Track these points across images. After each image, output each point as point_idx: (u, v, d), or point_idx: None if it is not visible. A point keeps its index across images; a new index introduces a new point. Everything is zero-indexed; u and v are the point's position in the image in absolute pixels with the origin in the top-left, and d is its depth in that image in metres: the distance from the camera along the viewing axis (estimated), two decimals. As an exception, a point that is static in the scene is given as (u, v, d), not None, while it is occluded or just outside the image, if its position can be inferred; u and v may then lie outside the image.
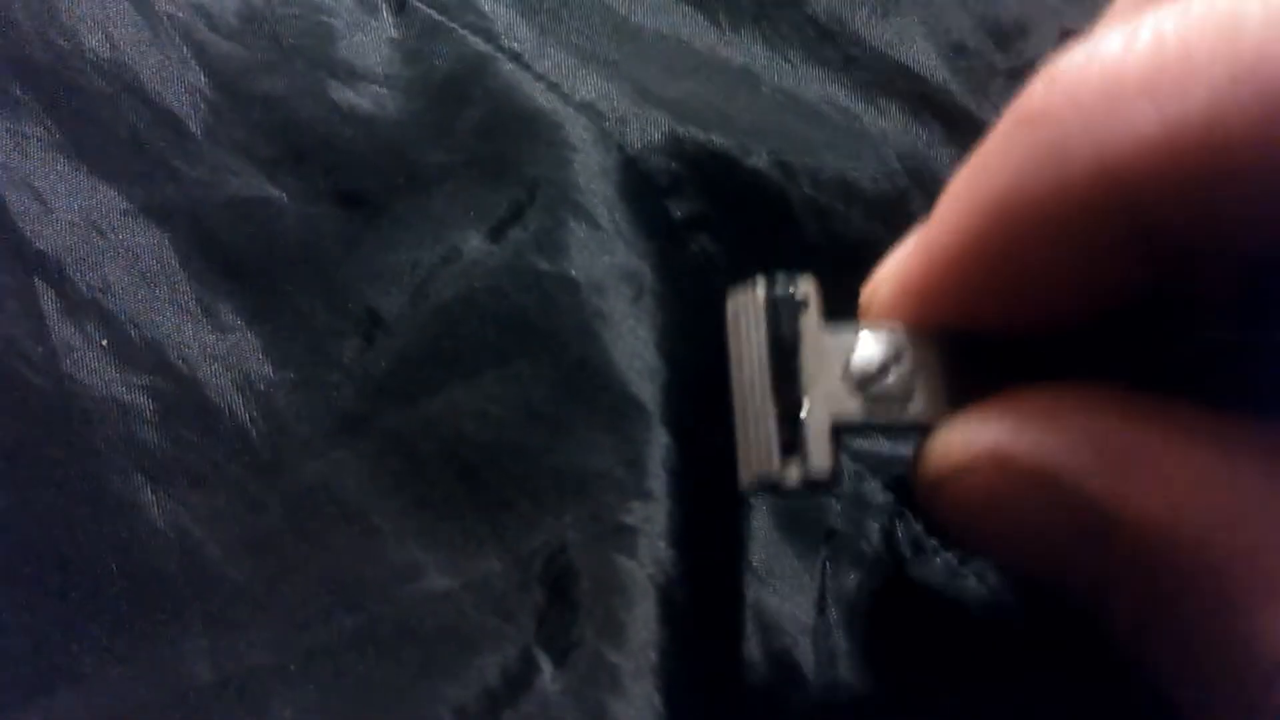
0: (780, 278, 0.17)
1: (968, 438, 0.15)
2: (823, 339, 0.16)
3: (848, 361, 0.16)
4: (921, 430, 0.16)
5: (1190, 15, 0.13)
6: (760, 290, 0.17)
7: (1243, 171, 0.12)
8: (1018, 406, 0.15)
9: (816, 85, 0.26)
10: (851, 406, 0.16)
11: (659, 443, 0.20)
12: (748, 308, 0.17)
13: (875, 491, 0.22)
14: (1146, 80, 0.13)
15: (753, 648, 0.20)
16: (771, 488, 0.16)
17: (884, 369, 0.16)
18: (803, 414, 0.16)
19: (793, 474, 0.16)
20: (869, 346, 0.16)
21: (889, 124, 0.25)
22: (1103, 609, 0.15)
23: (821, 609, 0.20)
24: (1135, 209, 0.13)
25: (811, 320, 0.16)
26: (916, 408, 0.16)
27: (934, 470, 0.16)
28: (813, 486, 0.16)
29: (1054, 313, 0.15)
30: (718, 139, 0.23)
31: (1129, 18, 0.14)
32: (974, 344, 0.16)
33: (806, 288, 0.17)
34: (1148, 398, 0.14)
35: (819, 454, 0.16)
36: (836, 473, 0.16)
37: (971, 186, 0.15)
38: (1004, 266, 0.15)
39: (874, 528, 0.21)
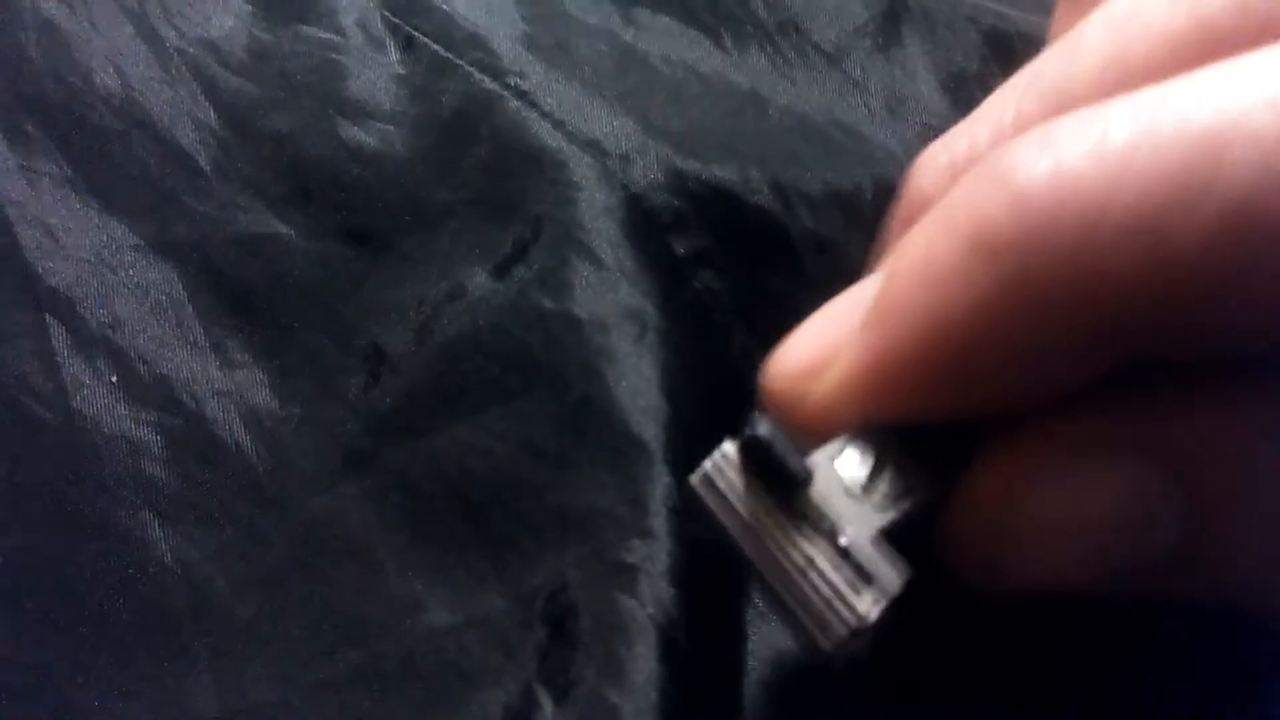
0: (734, 441, 0.16)
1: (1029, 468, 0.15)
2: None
3: (840, 481, 0.16)
4: (932, 509, 0.16)
5: (1162, 134, 0.12)
6: (729, 450, 0.16)
7: (1236, 300, 0.12)
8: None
9: (824, 107, 0.26)
10: (874, 518, 0.15)
11: (661, 481, 0.20)
12: (723, 473, 0.16)
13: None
14: (1130, 218, 0.12)
15: (754, 685, 0.20)
16: (857, 637, 0.15)
17: (876, 475, 0.16)
18: (842, 543, 0.15)
19: (869, 606, 0.15)
20: (849, 460, 0.16)
21: (896, 145, 0.25)
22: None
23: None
24: (1114, 334, 0.13)
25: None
26: (920, 497, 0.16)
27: (993, 514, 0.15)
28: (893, 607, 0.15)
29: (1016, 405, 0.15)
30: (721, 173, 0.24)
31: (1085, 119, 0.14)
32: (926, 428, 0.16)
33: (768, 428, 0.15)
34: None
35: (885, 570, 0.15)
36: (910, 579, 0.15)
37: (928, 301, 0.14)
38: (965, 376, 0.14)
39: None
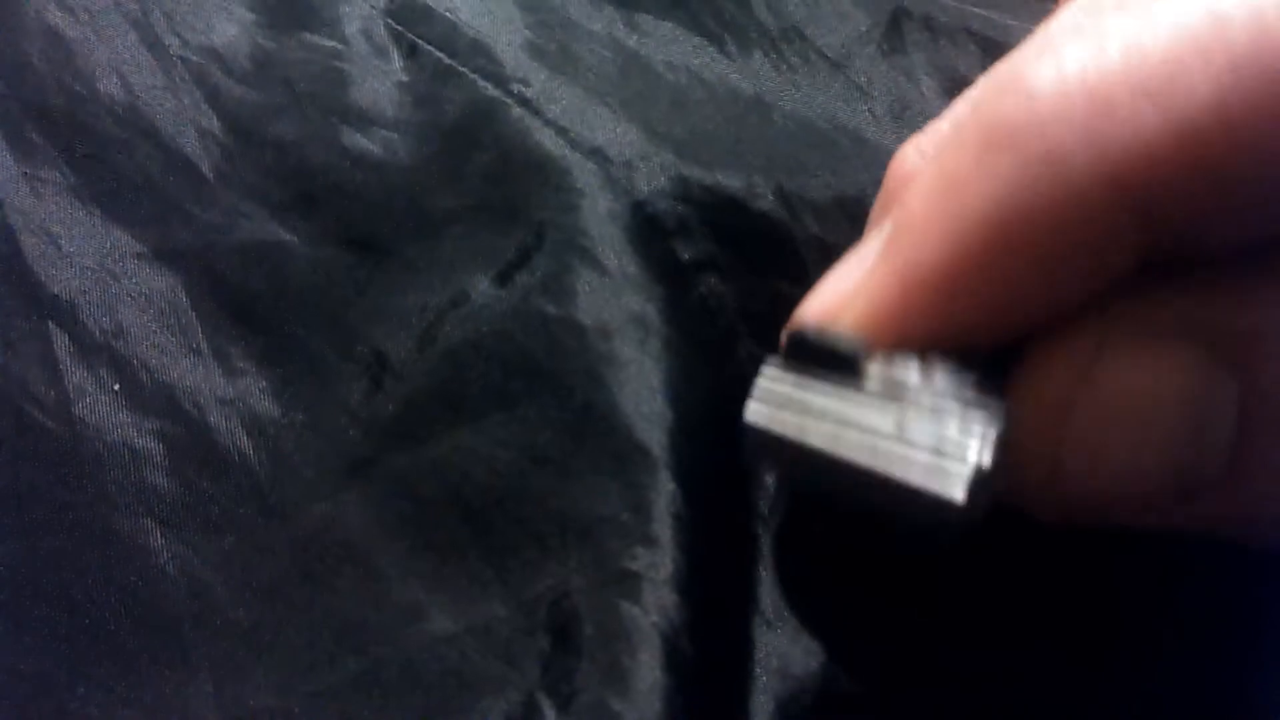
0: (770, 362, 0.16)
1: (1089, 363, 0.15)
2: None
3: (894, 373, 0.15)
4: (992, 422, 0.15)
5: (1161, 21, 0.13)
6: (770, 370, 0.16)
7: (1256, 149, 0.12)
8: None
9: (828, 112, 0.26)
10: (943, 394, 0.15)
11: (664, 488, 0.20)
12: (774, 392, 0.15)
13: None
14: (1145, 80, 0.13)
15: (761, 692, 0.20)
16: (981, 486, 0.14)
17: (926, 376, 0.15)
18: (926, 401, 0.14)
19: (983, 443, 0.14)
20: (895, 364, 0.15)
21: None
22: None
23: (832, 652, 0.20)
24: (1141, 204, 0.13)
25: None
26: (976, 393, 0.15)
27: (1053, 410, 0.15)
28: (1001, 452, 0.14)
29: (1042, 311, 0.15)
30: (725, 180, 0.24)
31: (1081, 28, 0.14)
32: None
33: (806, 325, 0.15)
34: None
35: (980, 411, 0.14)
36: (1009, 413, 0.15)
37: (949, 207, 0.14)
38: (995, 281, 0.14)
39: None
